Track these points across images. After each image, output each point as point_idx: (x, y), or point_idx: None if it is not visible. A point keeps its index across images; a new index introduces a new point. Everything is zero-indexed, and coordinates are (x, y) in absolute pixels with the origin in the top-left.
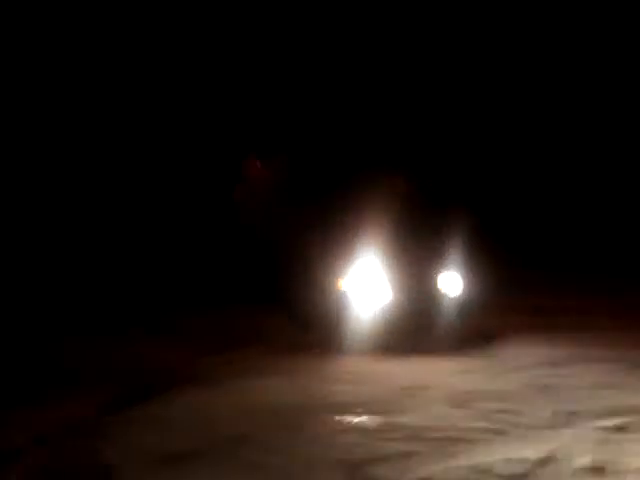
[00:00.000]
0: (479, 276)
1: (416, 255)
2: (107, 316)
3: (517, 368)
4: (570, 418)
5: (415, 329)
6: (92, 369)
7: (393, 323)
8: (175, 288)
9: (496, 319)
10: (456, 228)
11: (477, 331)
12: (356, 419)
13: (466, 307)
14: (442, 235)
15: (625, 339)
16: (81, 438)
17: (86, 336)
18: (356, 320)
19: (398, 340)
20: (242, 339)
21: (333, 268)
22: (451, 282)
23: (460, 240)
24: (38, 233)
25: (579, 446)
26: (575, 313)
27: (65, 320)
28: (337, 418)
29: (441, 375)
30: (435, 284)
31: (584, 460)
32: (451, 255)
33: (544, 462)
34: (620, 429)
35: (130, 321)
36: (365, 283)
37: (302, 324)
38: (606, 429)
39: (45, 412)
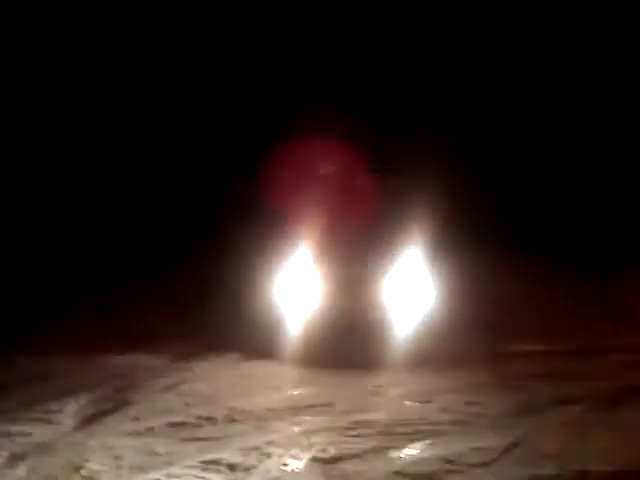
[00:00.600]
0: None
1: (359, 257)
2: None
3: (475, 362)
4: (534, 406)
5: (354, 340)
6: (65, 377)
7: (325, 333)
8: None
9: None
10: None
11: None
12: (327, 419)
13: (423, 315)
14: (397, 229)
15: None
16: (58, 453)
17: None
18: (291, 328)
19: (333, 351)
20: (210, 344)
21: (262, 271)
22: (403, 285)
23: (422, 230)
24: None
25: (545, 432)
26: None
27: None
28: (308, 419)
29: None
30: (380, 290)
31: (551, 445)
32: (407, 253)
33: (510, 449)
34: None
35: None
36: (296, 289)
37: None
38: (567, 414)
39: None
